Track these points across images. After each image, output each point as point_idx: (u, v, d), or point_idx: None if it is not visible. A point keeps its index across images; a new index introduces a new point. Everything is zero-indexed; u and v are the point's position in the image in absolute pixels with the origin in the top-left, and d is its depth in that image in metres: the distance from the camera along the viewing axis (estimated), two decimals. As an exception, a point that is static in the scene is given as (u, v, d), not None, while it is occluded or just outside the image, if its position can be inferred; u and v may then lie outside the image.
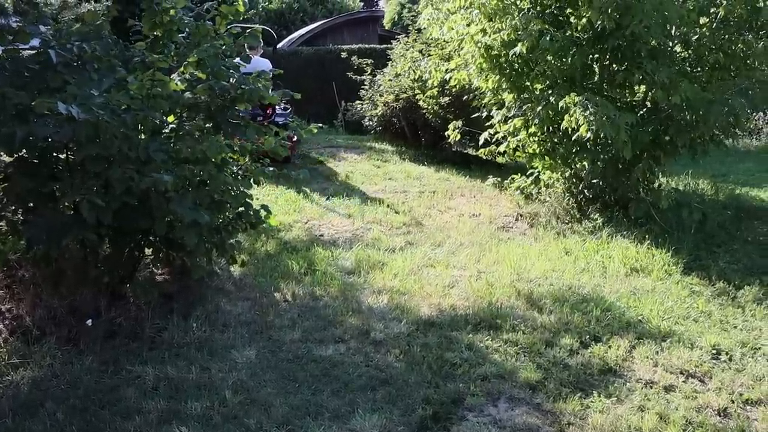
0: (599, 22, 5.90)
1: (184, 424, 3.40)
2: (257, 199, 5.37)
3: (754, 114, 10.99)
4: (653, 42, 6.28)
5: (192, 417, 3.47)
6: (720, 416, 3.58)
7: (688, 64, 6.79)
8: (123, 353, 4.12)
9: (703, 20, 6.56)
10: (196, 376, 3.87)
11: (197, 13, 5.12)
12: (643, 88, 6.65)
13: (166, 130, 4.54)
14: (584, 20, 6.04)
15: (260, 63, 8.61)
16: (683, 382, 3.91)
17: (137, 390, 3.72)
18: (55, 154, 4.25)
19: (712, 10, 6.48)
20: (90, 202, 3.77)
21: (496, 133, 7.57)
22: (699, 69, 6.76)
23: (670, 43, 6.58)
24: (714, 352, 4.26)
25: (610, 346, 4.29)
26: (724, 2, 6.22)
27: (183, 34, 4.91)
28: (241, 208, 4.99)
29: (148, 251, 4.94)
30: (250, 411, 3.54)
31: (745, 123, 7.52)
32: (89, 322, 4.32)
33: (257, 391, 3.75)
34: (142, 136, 4.20)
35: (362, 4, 32.08)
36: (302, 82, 8.85)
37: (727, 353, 4.24)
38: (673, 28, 6.20)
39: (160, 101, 4.18)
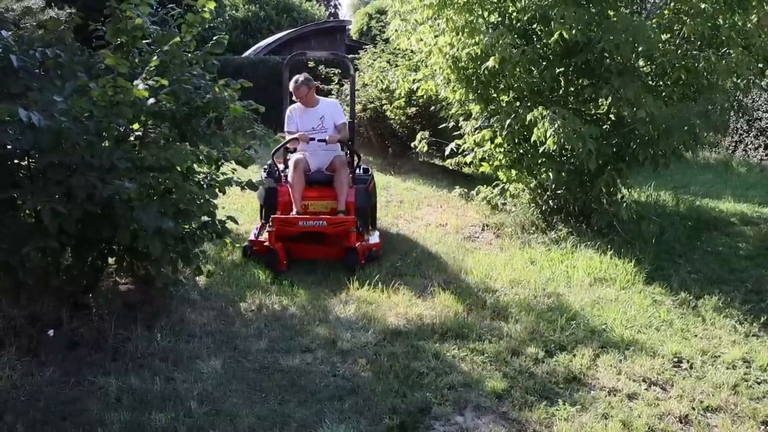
0: (574, 36, 5.99)
1: (148, 436, 3.35)
2: (223, 208, 5.33)
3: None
4: (619, 58, 6.40)
5: (156, 429, 3.42)
6: (681, 423, 3.64)
7: (651, 79, 6.94)
8: (85, 364, 4.05)
9: (666, 37, 6.71)
10: (160, 387, 3.81)
11: (161, 17, 5.05)
12: (608, 102, 6.77)
13: (131, 138, 4.48)
14: (555, 35, 6.13)
15: (331, 105, 7.34)
16: (646, 389, 3.97)
17: (100, 402, 3.65)
18: (16, 160, 4.16)
19: (675, 27, 6.63)
20: (52, 209, 3.69)
21: (463, 143, 7.63)
22: (662, 84, 6.91)
23: (635, 59, 6.71)
24: (675, 360, 4.34)
25: (574, 355, 4.35)
26: (688, 20, 6.36)
27: (148, 41, 4.86)
28: (206, 218, 4.90)
29: (111, 260, 4.86)
30: (216, 422, 3.49)
31: (705, 138, 7.70)
32: (50, 332, 4.23)
33: (223, 401, 3.70)
34: (106, 144, 4.14)
35: (328, 13, 32.13)
36: (269, 91, 8.74)
37: (688, 361, 4.33)
38: (638, 44, 6.32)
39: (123, 108, 4.12)
